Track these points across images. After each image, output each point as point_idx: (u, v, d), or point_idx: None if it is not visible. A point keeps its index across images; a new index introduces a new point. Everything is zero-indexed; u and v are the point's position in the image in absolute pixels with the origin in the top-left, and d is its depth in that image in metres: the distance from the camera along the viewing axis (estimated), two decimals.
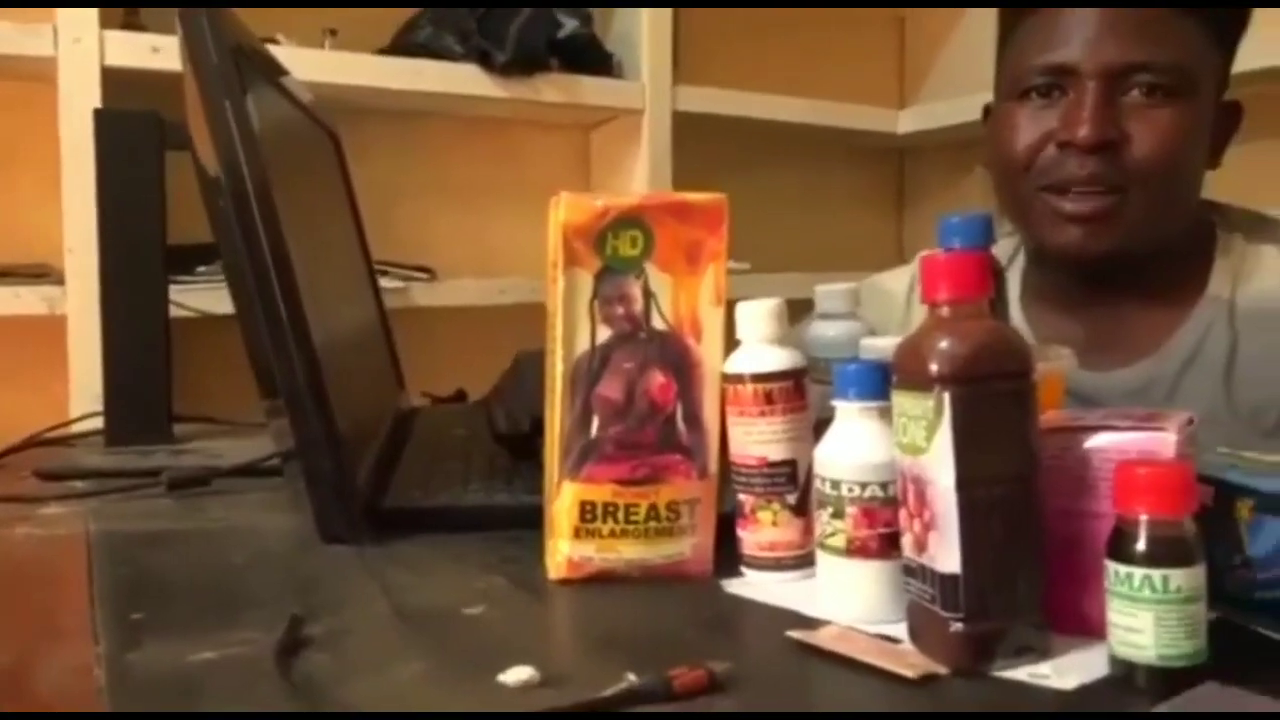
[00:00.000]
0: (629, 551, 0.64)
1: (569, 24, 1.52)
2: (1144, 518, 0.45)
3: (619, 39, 1.60)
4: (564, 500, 0.64)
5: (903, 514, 0.51)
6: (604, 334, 0.64)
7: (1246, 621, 0.50)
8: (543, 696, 0.44)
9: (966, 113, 1.69)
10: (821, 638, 0.52)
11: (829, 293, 0.75)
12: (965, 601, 0.47)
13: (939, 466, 0.47)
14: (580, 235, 0.63)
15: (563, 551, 0.64)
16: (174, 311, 1.12)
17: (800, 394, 0.63)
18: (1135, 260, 0.82)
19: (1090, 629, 0.49)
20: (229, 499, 0.84)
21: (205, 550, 0.71)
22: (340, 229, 1.10)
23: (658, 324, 0.64)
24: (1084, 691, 0.45)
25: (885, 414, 0.55)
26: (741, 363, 0.63)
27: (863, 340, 0.70)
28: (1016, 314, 0.89)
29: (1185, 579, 0.44)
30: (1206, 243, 0.85)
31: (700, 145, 1.63)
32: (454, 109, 1.53)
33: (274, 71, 0.89)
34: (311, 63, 1.25)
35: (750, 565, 0.64)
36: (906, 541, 0.51)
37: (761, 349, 0.63)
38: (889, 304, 0.95)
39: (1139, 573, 0.44)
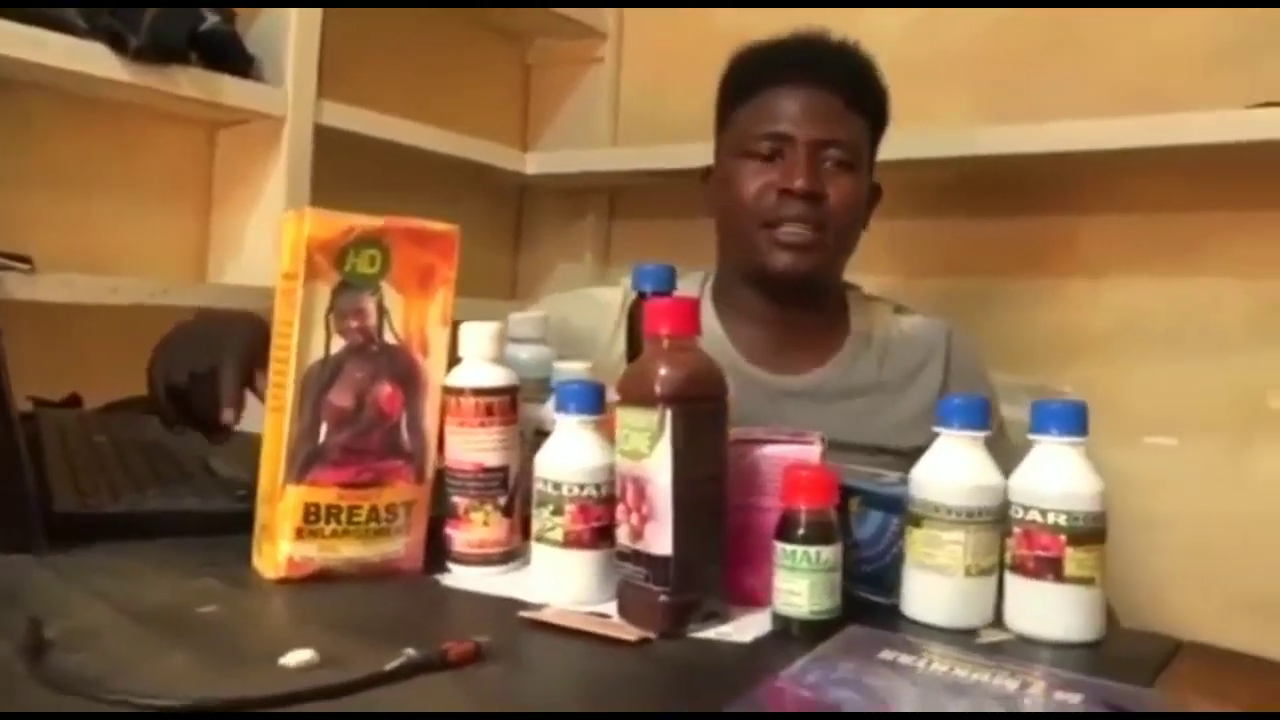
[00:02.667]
0: (349, 550, 0.68)
1: (211, 19, 1.46)
2: (803, 508, 0.60)
3: (260, 42, 1.56)
4: (288, 503, 0.66)
5: (620, 509, 0.62)
6: (338, 345, 0.67)
7: (854, 589, 0.66)
8: (327, 675, 0.48)
9: (586, 163, 1.88)
10: (548, 615, 0.60)
11: (522, 320, 0.84)
12: (673, 578, 0.59)
13: (659, 468, 0.59)
14: (323, 250, 0.66)
15: (284, 552, 0.66)
16: None
17: (514, 408, 0.71)
18: (817, 285, 1.07)
19: (755, 599, 0.63)
20: None
21: None
22: None
23: (389, 339, 0.69)
24: (757, 643, 0.59)
25: (598, 426, 0.66)
26: (464, 377, 0.70)
27: (556, 364, 0.81)
28: (717, 328, 1.08)
29: (830, 553, 0.59)
30: (843, 294, 1.14)
31: (337, 160, 1.64)
32: (71, 87, 1.39)
33: None
34: None
35: (459, 561, 0.71)
36: (623, 532, 0.62)
37: (482, 366, 0.71)
38: (605, 313, 1.10)
39: (799, 549, 0.59)
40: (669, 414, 0.59)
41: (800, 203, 1.01)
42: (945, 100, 1.58)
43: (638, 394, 0.60)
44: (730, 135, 1.10)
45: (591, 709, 0.49)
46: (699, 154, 1.19)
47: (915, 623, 0.62)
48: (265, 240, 1.54)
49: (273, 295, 1.58)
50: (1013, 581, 0.61)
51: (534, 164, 1.90)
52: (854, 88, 1.06)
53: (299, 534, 0.66)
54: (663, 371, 0.60)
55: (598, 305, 1.11)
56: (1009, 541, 0.61)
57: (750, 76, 1.09)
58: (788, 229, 1.02)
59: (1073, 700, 0.46)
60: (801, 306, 1.09)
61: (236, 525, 0.71)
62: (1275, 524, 1.34)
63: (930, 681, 0.49)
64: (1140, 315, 1.43)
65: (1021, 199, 1.53)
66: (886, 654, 0.52)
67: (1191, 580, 1.41)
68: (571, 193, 2.01)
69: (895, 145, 1.47)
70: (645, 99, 1.97)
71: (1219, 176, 1.35)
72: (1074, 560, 0.59)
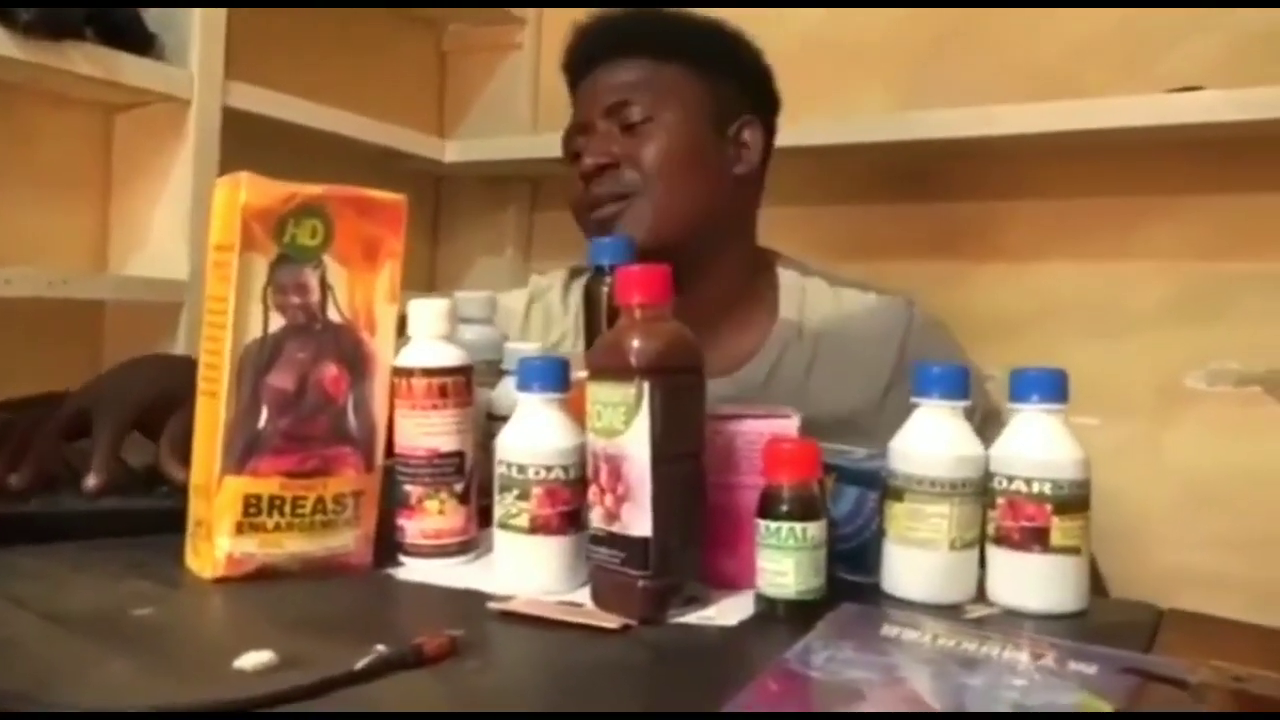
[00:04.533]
0: (293, 545, 0.63)
1: None
2: (786, 483, 0.57)
3: (161, 20, 1.47)
4: (225, 495, 0.61)
5: (593, 491, 0.58)
6: (277, 323, 0.62)
7: (831, 569, 0.64)
8: (289, 677, 0.44)
9: (505, 150, 1.83)
10: (520, 606, 0.56)
11: (468, 300, 0.80)
12: (653, 561, 0.56)
13: (637, 445, 0.55)
14: (260, 219, 0.61)
15: (222, 549, 0.61)
16: None
17: (469, 389, 0.67)
18: (678, 256, 0.89)
19: (732, 582, 0.60)
20: None
21: None
22: None
23: (333, 316, 0.64)
24: (742, 626, 0.56)
25: (562, 405, 0.62)
26: (414, 357, 0.66)
27: (507, 344, 0.77)
28: None
29: (816, 530, 0.57)
30: (769, 278, 1.03)
31: (244, 147, 1.55)
32: None
33: None
34: None
35: (412, 553, 0.66)
36: (596, 515, 0.58)
37: (433, 345, 0.66)
38: (509, 319, 1.02)
39: (784, 526, 0.56)
40: (646, 386, 0.55)
41: (594, 181, 0.94)
42: (860, 89, 1.58)
43: (611, 367, 0.57)
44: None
45: (593, 698, 0.45)
46: None
47: (897, 600, 0.60)
48: (171, 229, 1.45)
49: (178, 289, 1.48)
50: (996, 554, 0.60)
51: (452, 151, 1.84)
52: (660, 41, 0.96)
53: (239, 529, 0.61)
54: (638, 343, 0.56)
55: (505, 311, 1.02)
56: (991, 513, 0.60)
57: (569, 76, 1.03)
58: (597, 211, 0.95)
59: (1089, 670, 0.44)
60: (711, 313, 0.94)
61: (163, 524, 0.66)
62: (1190, 500, 1.37)
63: (940, 656, 0.47)
64: (1061, 298, 1.45)
65: (941, 185, 1.55)
66: (888, 630, 0.50)
67: (1112, 555, 1.44)
68: (492, 182, 1.96)
69: (814, 132, 1.47)
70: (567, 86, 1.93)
71: (1137, 162, 1.38)
72: (1060, 530, 0.57)
